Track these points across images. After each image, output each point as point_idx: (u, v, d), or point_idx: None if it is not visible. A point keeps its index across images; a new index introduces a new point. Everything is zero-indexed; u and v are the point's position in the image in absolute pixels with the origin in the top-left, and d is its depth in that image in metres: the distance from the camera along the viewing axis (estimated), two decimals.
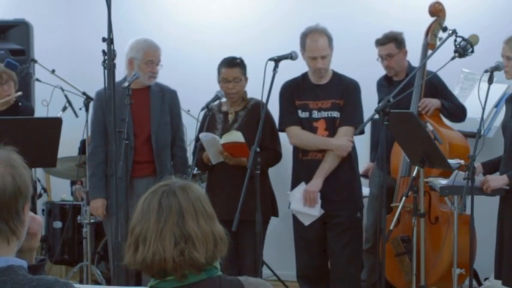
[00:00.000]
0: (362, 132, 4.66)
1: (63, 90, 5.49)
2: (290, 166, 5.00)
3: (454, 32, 4.49)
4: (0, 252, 1.88)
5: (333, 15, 6.08)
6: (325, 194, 4.77)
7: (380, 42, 5.38)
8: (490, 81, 4.36)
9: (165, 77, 5.06)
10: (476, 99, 4.38)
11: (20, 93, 5.38)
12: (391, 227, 4.45)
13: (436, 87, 5.26)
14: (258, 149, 4.33)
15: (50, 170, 5.82)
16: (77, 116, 5.50)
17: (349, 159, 4.83)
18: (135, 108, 4.74)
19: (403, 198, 4.55)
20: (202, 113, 4.75)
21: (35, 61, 5.73)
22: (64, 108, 5.55)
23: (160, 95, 4.98)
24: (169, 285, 2.06)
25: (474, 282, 4.98)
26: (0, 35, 6.15)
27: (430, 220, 4.89)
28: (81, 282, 5.53)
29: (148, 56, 4.87)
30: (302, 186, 4.81)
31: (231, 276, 2.15)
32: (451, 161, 4.51)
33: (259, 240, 4.37)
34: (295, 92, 4.87)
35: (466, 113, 5.28)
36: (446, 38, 4.59)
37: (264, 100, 4.53)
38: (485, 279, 5.20)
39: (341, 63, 4.98)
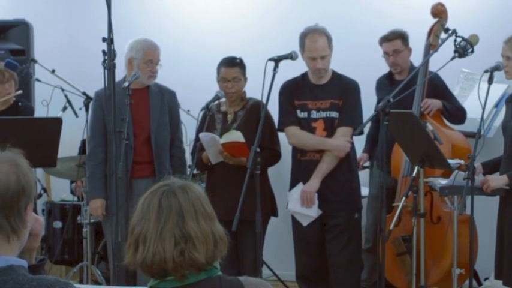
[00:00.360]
0: (361, 132, 4.66)
1: (63, 90, 5.48)
2: (290, 166, 5.00)
3: (454, 32, 4.49)
4: (0, 250, 1.89)
5: (333, 15, 6.08)
6: (323, 195, 4.76)
7: (387, 38, 5.38)
8: (490, 81, 4.36)
9: (165, 77, 5.06)
10: (476, 99, 4.38)
11: (20, 91, 5.38)
12: (391, 227, 4.45)
13: (438, 87, 5.26)
14: (258, 149, 4.32)
15: (50, 170, 5.82)
16: (77, 116, 5.50)
17: (348, 159, 4.82)
18: (134, 108, 4.74)
19: (403, 198, 4.55)
20: (202, 113, 4.75)
21: (35, 61, 5.72)
22: (64, 108, 5.55)
23: (159, 95, 4.98)
24: (169, 285, 2.06)
25: (474, 282, 4.98)
26: (0, 35, 6.14)
27: (432, 220, 4.89)
28: (81, 282, 5.53)
29: (148, 55, 4.87)
30: (300, 187, 4.81)
31: (231, 276, 2.15)
32: (451, 161, 4.51)
33: (259, 240, 4.37)
34: (295, 92, 4.87)
35: (466, 116, 5.28)
36: (447, 38, 4.60)
37: (264, 100, 4.53)
38: (485, 279, 5.20)
39: (341, 63, 4.98)
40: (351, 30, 6.11)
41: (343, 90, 4.79)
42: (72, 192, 6.16)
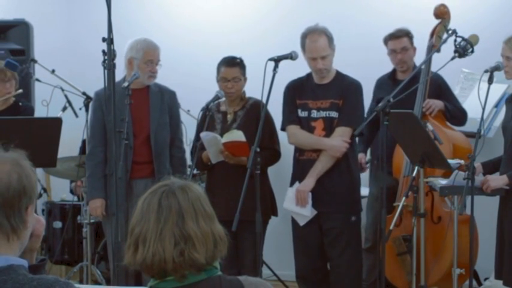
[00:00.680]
0: (362, 133, 4.63)
1: (63, 90, 5.48)
2: (290, 166, 5.00)
3: (454, 32, 4.49)
4: (0, 250, 1.89)
5: (332, 15, 6.08)
6: (318, 195, 4.73)
7: (395, 36, 5.37)
8: (490, 81, 4.36)
9: (165, 77, 5.07)
10: (476, 99, 4.38)
11: (20, 90, 5.38)
12: (391, 227, 4.45)
13: (440, 88, 5.27)
14: (258, 149, 4.32)
15: (50, 170, 5.82)
16: (77, 116, 5.50)
17: (346, 160, 4.77)
18: (134, 108, 4.74)
19: (403, 198, 4.55)
20: (201, 113, 4.75)
21: (35, 61, 5.72)
22: (64, 108, 5.54)
23: (159, 95, 4.98)
24: (169, 286, 2.06)
25: (474, 282, 4.98)
26: (0, 35, 6.15)
27: (433, 220, 4.89)
28: (81, 282, 5.53)
29: (147, 55, 4.87)
30: (296, 186, 4.81)
31: (231, 276, 2.15)
32: (451, 161, 4.51)
33: (259, 240, 4.37)
34: (297, 91, 4.86)
35: (467, 118, 5.28)
36: (447, 38, 4.60)
37: (264, 100, 4.53)
38: (485, 279, 5.20)
39: (341, 63, 4.97)
40: (351, 30, 6.11)
41: (344, 90, 4.77)
42: (72, 192, 6.16)
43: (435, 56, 4.93)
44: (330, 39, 4.72)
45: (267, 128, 4.75)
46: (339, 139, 4.71)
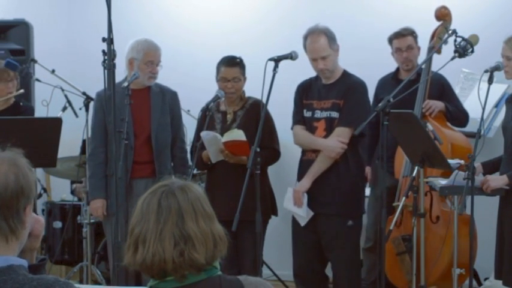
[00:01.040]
0: (362, 134, 4.59)
1: (63, 90, 5.48)
2: (290, 166, 5.00)
3: (454, 32, 4.48)
4: None
5: (332, 15, 6.08)
6: (313, 196, 4.70)
7: (401, 34, 5.39)
8: (490, 81, 4.36)
9: (165, 77, 5.07)
10: (476, 99, 4.38)
11: (22, 90, 5.38)
12: (391, 227, 4.45)
13: (443, 88, 5.28)
14: (258, 149, 4.32)
15: (50, 170, 5.82)
16: (77, 116, 5.50)
17: (346, 162, 4.70)
18: (135, 109, 4.74)
19: (403, 198, 4.55)
20: (200, 113, 4.75)
21: (35, 61, 5.72)
22: (64, 108, 5.54)
23: (160, 96, 4.98)
24: (169, 286, 2.06)
25: (474, 282, 4.98)
26: (0, 35, 6.15)
27: (431, 219, 4.89)
28: (81, 282, 5.53)
29: (148, 56, 4.87)
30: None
31: (231, 276, 2.15)
32: (451, 161, 4.51)
33: (259, 240, 4.36)
34: (305, 92, 4.86)
35: (468, 119, 5.28)
36: (446, 38, 4.60)
37: (264, 100, 4.52)
38: (485, 279, 5.20)
39: (341, 63, 4.97)
40: (351, 30, 6.10)
41: (345, 90, 4.72)
42: (72, 193, 6.16)
43: (435, 56, 4.94)
44: (330, 39, 4.70)
45: (267, 127, 4.74)
46: (335, 139, 4.66)
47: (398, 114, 4.40)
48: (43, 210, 6.06)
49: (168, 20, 6.73)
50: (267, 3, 6.64)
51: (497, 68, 4.43)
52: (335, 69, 4.76)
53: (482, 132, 4.38)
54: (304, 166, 4.81)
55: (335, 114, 4.73)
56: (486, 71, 4.41)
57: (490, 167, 4.59)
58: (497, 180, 4.37)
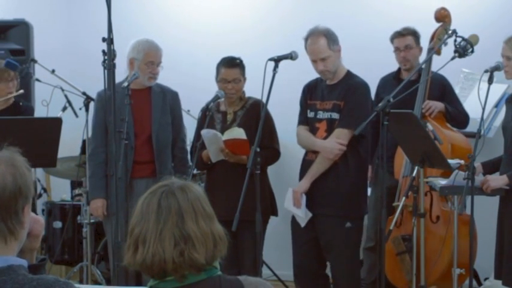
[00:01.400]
0: (363, 135, 4.58)
1: (63, 90, 5.48)
2: (289, 166, 5.00)
3: (454, 32, 4.48)
4: None
5: (332, 15, 6.08)
6: (312, 197, 4.69)
7: (400, 33, 5.42)
8: (490, 81, 4.36)
9: (165, 77, 5.06)
10: (476, 99, 4.38)
11: (21, 91, 5.38)
12: (391, 227, 4.45)
13: (444, 89, 5.29)
14: (258, 149, 4.32)
15: (50, 170, 5.82)
16: (77, 116, 5.50)
17: (345, 163, 4.67)
18: (136, 109, 4.74)
19: (404, 198, 4.55)
20: (200, 113, 4.75)
21: (35, 61, 5.72)
22: (64, 108, 5.54)
23: (161, 96, 4.98)
24: (169, 286, 2.06)
25: (474, 282, 4.98)
26: (0, 35, 6.15)
27: (431, 219, 4.90)
28: (81, 282, 5.53)
29: (148, 56, 4.87)
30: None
31: (231, 276, 2.15)
32: (451, 161, 4.51)
33: (259, 240, 4.36)
34: (310, 92, 4.85)
35: (468, 121, 5.28)
36: (446, 38, 4.60)
37: (264, 100, 4.52)
38: (485, 279, 5.20)
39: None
40: (351, 30, 6.10)
41: (346, 91, 4.70)
42: (73, 198, 6.16)
43: (436, 56, 4.94)
44: (330, 40, 4.67)
45: (267, 127, 4.73)
46: (333, 140, 4.64)
47: (399, 114, 4.40)
48: (43, 210, 6.05)
49: (168, 20, 6.73)
50: (267, 3, 6.64)
51: (497, 68, 4.43)
52: (337, 70, 4.74)
53: (482, 132, 4.38)
54: (305, 166, 4.80)
55: (336, 116, 4.70)
56: (486, 71, 4.41)
57: (490, 167, 4.59)
58: (497, 180, 4.37)
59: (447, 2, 5.23)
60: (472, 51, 4.45)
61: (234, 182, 4.66)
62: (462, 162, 4.55)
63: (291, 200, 4.77)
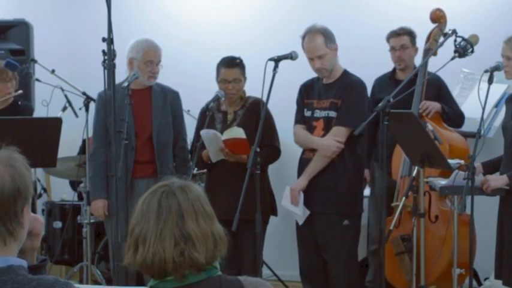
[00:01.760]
0: (361, 134, 4.58)
1: (63, 90, 5.48)
2: (289, 165, 5.00)
3: (454, 32, 4.48)
4: None
5: (332, 15, 6.08)
6: (309, 195, 4.70)
7: (396, 33, 5.43)
8: (490, 81, 4.36)
9: (165, 77, 5.06)
10: (476, 99, 4.38)
11: (20, 91, 5.38)
12: (391, 227, 4.44)
13: (440, 89, 5.29)
14: (258, 149, 4.32)
15: (50, 170, 5.82)
16: (77, 116, 5.50)
17: (343, 161, 4.69)
18: (136, 108, 4.75)
19: (403, 198, 4.55)
20: (200, 113, 4.75)
21: (35, 61, 5.72)
22: (64, 108, 5.54)
23: (162, 95, 4.98)
24: (169, 285, 2.06)
25: (474, 282, 4.98)
26: (0, 35, 6.15)
27: (430, 219, 4.89)
28: (81, 282, 5.53)
29: (148, 56, 4.87)
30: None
31: (231, 276, 2.15)
32: (451, 161, 4.51)
33: (259, 240, 4.36)
34: (307, 91, 4.87)
35: (464, 120, 5.29)
36: (446, 38, 4.59)
37: (264, 100, 4.52)
38: (485, 279, 5.20)
39: (340, 62, 4.97)
40: (350, 30, 6.10)
41: (343, 90, 4.72)
42: (78, 196, 6.14)
43: (436, 56, 4.93)
44: (327, 38, 4.69)
45: (267, 125, 4.73)
46: (330, 138, 4.66)
47: (398, 114, 4.40)
48: (43, 210, 6.06)
49: (168, 20, 6.73)
50: (267, 3, 6.64)
51: (497, 68, 4.43)
52: (333, 69, 4.77)
53: (482, 132, 4.38)
54: (302, 165, 4.81)
55: (333, 114, 4.72)
56: (486, 71, 4.41)
57: (490, 167, 4.59)
58: (497, 180, 4.37)
59: (447, 2, 5.22)
60: (472, 51, 4.45)
61: (234, 181, 4.67)
62: (462, 162, 4.55)
63: (288, 198, 4.78)
